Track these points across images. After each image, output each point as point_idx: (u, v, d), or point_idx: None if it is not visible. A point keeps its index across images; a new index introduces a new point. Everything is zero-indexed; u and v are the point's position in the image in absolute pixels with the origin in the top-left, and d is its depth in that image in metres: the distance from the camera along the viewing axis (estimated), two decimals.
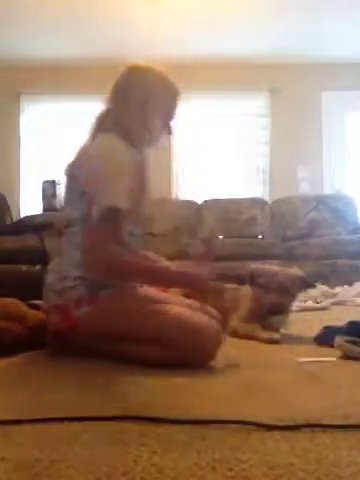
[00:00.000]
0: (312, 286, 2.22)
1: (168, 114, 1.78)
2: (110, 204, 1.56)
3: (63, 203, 1.85)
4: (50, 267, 1.77)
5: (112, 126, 1.71)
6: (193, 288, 1.83)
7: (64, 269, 1.70)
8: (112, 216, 1.57)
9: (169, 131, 1.82)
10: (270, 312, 2.13)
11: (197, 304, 1.85)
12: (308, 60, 5.60)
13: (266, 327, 2.11)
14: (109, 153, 1.64)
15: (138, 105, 1.71)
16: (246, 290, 2.28)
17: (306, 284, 2.21)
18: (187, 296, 2.11)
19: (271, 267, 2.32)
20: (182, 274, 1.72)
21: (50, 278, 1.74)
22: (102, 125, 1.74)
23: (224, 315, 2.02)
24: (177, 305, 1.69)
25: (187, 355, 1.52)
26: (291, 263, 4.44)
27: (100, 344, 1.65)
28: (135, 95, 1.71)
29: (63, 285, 1.69)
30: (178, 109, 1.81)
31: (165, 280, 1.76)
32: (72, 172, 1.73)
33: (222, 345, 1.61)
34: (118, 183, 1.59)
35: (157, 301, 1.72)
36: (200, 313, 1.64)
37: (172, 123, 1.81)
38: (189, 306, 1.73)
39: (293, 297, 2.20)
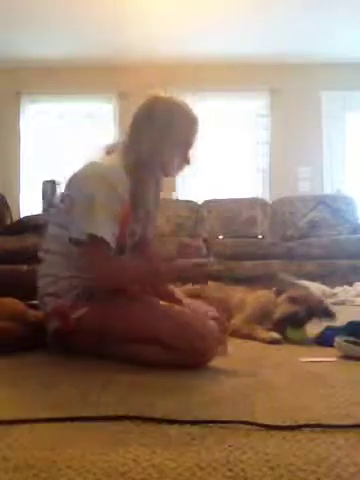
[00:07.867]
0: (332, 316, 2.18)
1: (187, 145, 1.72)
2: (88, 232, 1.54)
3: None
4: (40, 271, 1.75)
5: (120, 150, 1.68)
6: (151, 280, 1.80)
7: (56, 272, 1.70)
8: (92, 242, 1.55)
9: (187, 161, 1.75)
10: (286, 320, 2.11)
11: (200, 305, 1.85)
12: (308, 60, 5.60)
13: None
14: (99, 174, 1.59)
15: (157, 136, 1.65)
16: (262, 293, 2.28)
17: (327, 313, 2.17)
18: (192, 296, 2.11)
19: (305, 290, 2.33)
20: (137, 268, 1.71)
21: (42, 282, 1.74)
22: (111, 148, 1.71)
23: (228, 314, 2.02)
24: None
25: (185, 355, 1.52)
26: (291, 263, 4.47)
27: (100, 344, 1.66)
28: (154, 126, 1.65)
29: (58, 287, 1.69)
30: (196, 138, 1.74)
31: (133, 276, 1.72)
32: (69, 183, 1.69)
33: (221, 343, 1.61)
34: (102, 210, 1.55)
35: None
36: (199, 314, 1.63)
37: (190, 152, 1.74)
38: (191, 307, 1.72)
39: (309, 319, 2.16)
